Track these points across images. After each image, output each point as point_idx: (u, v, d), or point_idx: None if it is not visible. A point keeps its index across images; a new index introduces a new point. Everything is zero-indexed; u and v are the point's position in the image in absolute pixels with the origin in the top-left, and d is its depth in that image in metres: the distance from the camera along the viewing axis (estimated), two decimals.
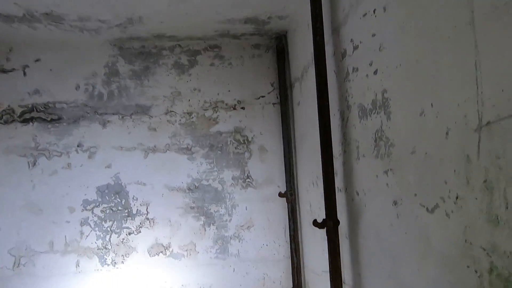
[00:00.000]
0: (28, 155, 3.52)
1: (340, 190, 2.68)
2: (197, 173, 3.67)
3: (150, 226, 3.59)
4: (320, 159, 2.54)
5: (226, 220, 3.67)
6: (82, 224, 3.53)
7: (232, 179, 3.70)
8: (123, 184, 3.59)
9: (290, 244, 3.64)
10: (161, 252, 3.58)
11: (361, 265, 2.46)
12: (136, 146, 3.65)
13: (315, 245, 3.29)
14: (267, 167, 3.74)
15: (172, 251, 3.59)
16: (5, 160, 3.49)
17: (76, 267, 3.49)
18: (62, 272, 3.48)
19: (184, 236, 3.62)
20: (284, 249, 3.70)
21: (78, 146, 3.57)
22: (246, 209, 3.69)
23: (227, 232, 3.66)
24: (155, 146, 3.66)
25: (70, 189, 3.53)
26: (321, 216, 2.74)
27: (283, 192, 3.69)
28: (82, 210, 3.54)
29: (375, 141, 2.08)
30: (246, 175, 3.72)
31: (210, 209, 3.66)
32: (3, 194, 3.45)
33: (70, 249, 3.50)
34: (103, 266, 3.52)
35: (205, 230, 3.64)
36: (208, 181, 3.68)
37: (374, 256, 2.23)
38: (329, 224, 2.50)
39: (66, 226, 3.51)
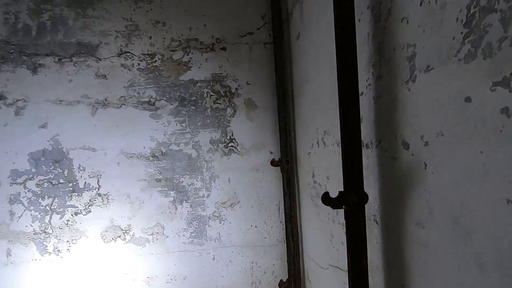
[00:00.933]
0: None
1: (368, 145, 1.29)
2: (164, 135, 2.27)
3: (104, 204, 2.23)
4: (329, 107, 1.33)
5: (203, 196, 2.31)
6: (11, 202, 2.16)
7: (210, 143, 2.30)
8: (64, 150, 2.19)
9: (286, 225, 2.30)
10: (119, 236, 2.25)
11: (408, 271, 1.09)
12: (80, 100, 2.21)
13: (319, 228, 1.92)
14: (256, 127, 2.32)
15: (133, 235, 2.26)
16: None
17: (7, 256, 2.17)
18: None
19: (149, 217, 2.27)
20: (278, 232, 2.36)
21: (0, 98, 2.14)
22: (229, 181, 2.32)
23: (205, 211, 2.31)
24: (106, 100, 2.22)
25: None
26: (331, 189, 1.39)
27: (276, 159, 2.30)
28: (11, 184, 2.16)
29: (470, 23, 0.60)
30: (228, 138, 2.31)
31: (182, 181, 2.29)
32: None
33: None
34: (42, 255, 2.19)
35: (176, 209, 2.29)
36: (178, 146, 2.28)
37: (443, 261, 0.86)
38: (351, 200, 1.19)
39: None
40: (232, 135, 2.26)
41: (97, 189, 2.18)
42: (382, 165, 1.24)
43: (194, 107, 2.23)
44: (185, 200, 2.25)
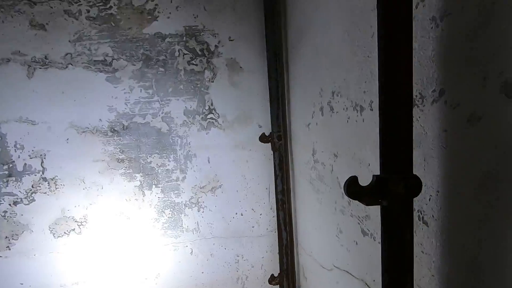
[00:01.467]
0: None
1: (418, 100, 0.62)
2: (126, 104, 1.60)
3: (51, 191, 1.58)
4: (341, 56, 0.93)
5: (177, 179, 1.68)
6: None
7: (184, 114, 1.65)
8: None
9: (278, 213, 1.70)
10: (73, 230, 1.62)
11: None
12: (11, 57, 1.51)
13: (321, 219, 1.33)
14: (241, 95, 1.67)
15: (90, 228, 1.64)
16: None
17: None
18: None
19: (110, 205, 1.64)
20: (268, 220, 1.77)
21: None
22: (208, 161, 1.69)
23: (180, 197, 1.69)
24: (46, 58, 1.53)
25: None
26: (340, 171, 1.09)
27: (266, 134, 1.68)
28: None
29: None
30: (207, 108, 1.66)
31: (150, 162, 1.65)
32: None
33: None
34: None
35: (143, 195, 1.67)
36: (144, 118, 1.63)
37: None
38: (395, 190, 0.59)
39: None
40: (212, 104, 1.61)
41: (41, 172, 1.52)
42: (446, 134, 0.63)
43: (163, 69, 1.56)
44: (154, 184, 1.61)
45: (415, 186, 0.59)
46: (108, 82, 1.51)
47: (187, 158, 1.61)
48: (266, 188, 1.69)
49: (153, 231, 1.63)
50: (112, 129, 1.54)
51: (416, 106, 0.70)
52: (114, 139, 1.55)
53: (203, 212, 1.66)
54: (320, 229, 1.34)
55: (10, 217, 1.52)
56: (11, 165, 1.49)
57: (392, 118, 0.57)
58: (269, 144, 1.62)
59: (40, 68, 1.47)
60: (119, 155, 1.56)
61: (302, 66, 1.36)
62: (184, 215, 1.64)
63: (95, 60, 1.50)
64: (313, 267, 1.46)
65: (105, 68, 1.51)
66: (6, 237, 1.52)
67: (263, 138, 1.62)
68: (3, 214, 1.51)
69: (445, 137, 0.63)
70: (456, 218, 0.63)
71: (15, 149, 1.49)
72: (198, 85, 1.58)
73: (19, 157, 1.50)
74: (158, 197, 1.61)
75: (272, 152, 1.61)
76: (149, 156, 1.59)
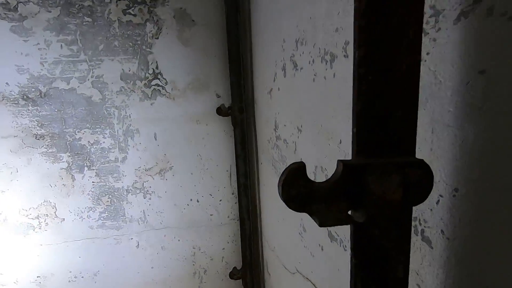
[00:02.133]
0: None
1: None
2: (42, 64, 1.08)
3: None
4: None
5: (116, 160, 1.19)
6: None
7: (122, 79, 1.14)
8: None
9: (239, 199, 1.25)
10: None
11: None
12: None
13: (282, 211, 0.90)
14: (194, 55, 1.17)
15: (5, 220, 1.15)
16: None
17: None
18: None
19: (30, 192, 1.15)
20: (229, 207, 1.31)
21: None
22: (155, 138, 1.21)
23: (120, 181, 1.21)
24: None
25: None
26: (305, 152, 0.67)
27: (226, 106, 1.21)
28: None
29: None
30: (151, 71, 1.16)
31: (79, 139, 1.16)
32: None
33: None
34: None
35: (73, 179, 1.18)
36: (68, 83, 1.12)
37: None
38: (383, 190, 0.21)
39: None
40: (157, 67, 1.10)
41: None
42: (483, 79, 0.16)
43: (89, 19, 1.03)
44: (86, 166, 1.12)
45: (421, 183, 0.20)
46: (13, 33, 0.98)
47: (127, 134, 1.12)
48: (227, 170, 1.22)
49: (89, 222, 1.15)
50: (24, 96, 1.02)
51: (423, 32, 0.24)
52: (28, 110, 1.03)
53: (150, 199, 1.18)
54: (283, 222, 0.90)
55: None
56: None
57: (380, 48, 0.14)
58: (229, 118, 1.14)
59: None
60: (37, 129, 1.05)
61: (264, 14, 0.87)
62: (127, 203, 1.16)
63: None
64: (275, 265, 1.03)
65: (9, 14, 0.97)
66: None
67: (221, 111, 1.13)
68: None
69: (480, 86, 0.18)
70: (488, 240, 0.18)
71: None
72: (139, 42, 1.06)
73: None
74: (93, 182, 1.12)
75: (232, 128, 1.14)
76: (78, 132, 1.08)
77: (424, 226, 0.33)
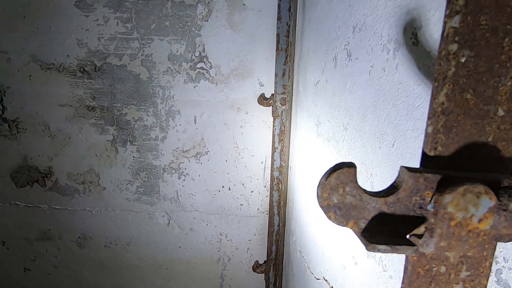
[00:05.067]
0: None
1: None
2: (99, 39, 1.11)
3: (12, 135, 1.16)
4: None
5: (156, 139, 1.20)
6: None
7: (169, 59, 1.14)
8: None
9: (271, 192, 1.19)
10: (36, 181, 1.21)
11: None
12: None
13: (317, 213, 0.81)
14: (241, 41, 1.12)
15: (56, 181, 1.22)
16: None
17: None
18: None
19: (78, 158, 1.21)
20: (260, 200, 1.26)
21: None
22: (194, 121, 1.19)
23: (158, 159, 1.22)
24: None
25: None
26: (348, 153, 0.55)
27: (268, 95, 1.14)
28: None
29: None
30: (198, 54, 1.13)
31: (125, 114, 1.18)
32: None
33: None
34: None
35: (116, 152, 1.21)
36: (121, 59, 1.14)
37: None
38: None
39: None
40: (204, 50, 1.07)
41: (0, 112, 1.10)
42: None
43: (145, 0, 1.03)
44: (129, 141, 1.14)
45: None
46: (77, 8, 1.01)
47: (169, 114, 1.11)
48: (262, 162, 1.16)
49: (126, 194, 1.18)
50: (81, 69, 1.06)
51: None
52: (84, 82, 1.07)
53: (184, 180, 1.17)
54: (314, 225, 0.82)
55: None
56: None
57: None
58: (270, 108, 1.07)
59: None
60: (90, 101, 1.09)
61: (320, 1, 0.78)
62: (162, 181, 1.17)
63: None
64: (301, 267, 0.95)
65: None
66: None
67: (263, 100, 1.07)
68: None
69: None
70: None
71: None
72: (188, 24, 1.04)
73: None
74: (133, 157, 1.14)
75: (272, 119, 1.07)
76: (125, 107, 1.10)
77: (503, 266, 0.24)
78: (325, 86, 0.74)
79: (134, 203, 1.18)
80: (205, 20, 1.03)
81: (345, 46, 0.63)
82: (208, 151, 1.14)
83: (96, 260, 1.23)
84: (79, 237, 1.21)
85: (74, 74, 1.06)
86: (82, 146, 1.12)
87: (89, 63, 1.06)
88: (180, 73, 1.07)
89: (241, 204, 1.19)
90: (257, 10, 1.03)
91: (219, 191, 1.18)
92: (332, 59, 0.69)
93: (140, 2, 1.02)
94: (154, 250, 1.23)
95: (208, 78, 1.08)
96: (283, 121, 1.04)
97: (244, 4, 1.02)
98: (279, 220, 1.13)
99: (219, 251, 1.24)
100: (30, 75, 1.06)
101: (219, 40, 1.05)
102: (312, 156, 0.81)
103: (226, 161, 1.15)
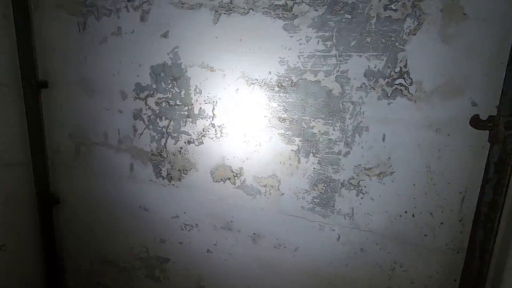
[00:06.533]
0: (77, 13, 1.53)
1: None
2: (299, 57, 1.18)
3: (217, 138, 1.37)
4: None
5: (339, 153, 1.19)
6: (135, 117, 1.52)
7: (365, 75, 1.10)
8: (183, 66, 1.36)
9: (474, 230, 1.00)
10: (229, 179, 1.38)
11: None
12: (202, 2, 1.29)
13: None
14: (454, 55, 0.99)
15: (243, 181, 1.36)
16: (57, 19, 1.58)
17: (130, 170, 1.60)
18: (116, 173, 1.64)
19: (264, 164, 1.31)
20: (449, 233, 1.08)
21: (128, 0, 1.41)
22: (383, 139, 1.12)
23: (338, 173, 1.21)
24: (231, 2, 1.24)
25: (121, 66, 1.48)
26: None
27: (484, 117, 0.97)
28: (135, 98, 1.49)
29: None
30: (398, 70, 1.06)
31: (312, 127, 1.21)
32: (56, 62, 1.62)
33: (124, 146, 1.58)
34: (157, 178, 1.53)
35: (298, 162, 1.26)
36: (316, 75, 1.17)
37: None
38: None
39: (119, 117, 1.56)
40: (405, 66, 1.00)
41: (211, 118, 1.32)
42: None
43: (349, 16, 1.04)
44: (312, 153, 1.17)
45: None
46: (284, 30, 1.12)
47: (356, 130, 1.09)
48: (460, 192, 0.99)
49: (301, 202, 1.22)
50: (279, 84, 1.16)
51: None
52: (279, 95, 1.17)
53: (361, 198, 1.12)
54: None
55: (184, 153, 1.39)
56: (190, 107, 1.34)
57: None
58: (485, 132, 0.90)
59: (224, 13, 1.19)
60: (282, 113, 1.18)
61: None
62: (339, 196, 1.15)
63: (276, 4, 1.11)
64: None
65: (284, 14, 1.11)
66: (179, 170, 1.42)
67: (477, 122, 0.91)
68: (179, 149, 1.40)
69: None
70: None
71: (194, 93, 1.31)
72: (392, 39, 0.99)
73: (196, 101, 1.32)
74: (314, 168, 1.17)
75: (487, 145, 0.90)
76: (313, 120, 1.14)
77: None
78: None
79: (308, 212, 1.21)
80: (412, 34, 0.96)
81: None
82: (394, 171, 1.06)
83: (264, 258, 1.33)
84: (254, 233, 1.33)
85: (272, 88, 1.17)
86: (269, 153, 1.22)
87: (286, 78, 1.14)
88: (374, 89, 1.03)
89: (425, 235, 1.05)
90: (481, 20, 0.88)
91: (401, 216, 1.08)
92: None
93: (343, 20, 1.03)
94: (319, 262, 1.23)
95: (406, 95, 1.00)
96: (506, 148, 0.85)
97: (464, 14, 0.90)
98: (480, 264, 0.94)
99: (389, 279, 1.13)
100: (237, 89, 1.22)
101: (425, 55, 0.95)
102: None
103: (414, 185, 1.04)
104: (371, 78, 1.03)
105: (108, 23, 1.41)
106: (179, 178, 1.43)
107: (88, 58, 1.50)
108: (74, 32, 1.50)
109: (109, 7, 1.39)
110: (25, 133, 1.66)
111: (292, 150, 1.19)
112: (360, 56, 1.03)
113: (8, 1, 1.51)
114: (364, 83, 1.04)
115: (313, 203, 1.20)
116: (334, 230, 1.19)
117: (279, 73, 1.15)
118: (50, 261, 1.83)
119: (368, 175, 1.09)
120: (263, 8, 1.13)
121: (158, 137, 1.43)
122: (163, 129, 1.41)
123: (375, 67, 1.02)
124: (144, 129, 1.45)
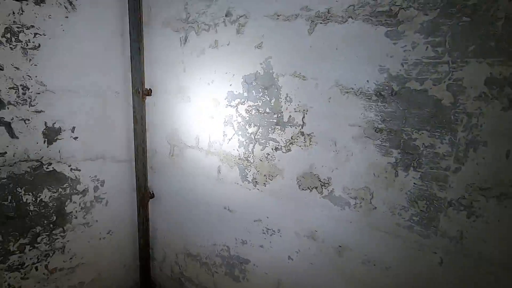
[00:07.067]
0: (180, 29, 1.68)
1: None
2: (402, 65, 1.10)
3: (305, 146, 1.36)
4: None
5: (447, 168, 1.07)
6: (225, 123, 1.60)
7: (486, 84, 0.97)
8: (274, 76, 1.39)
9: None
10: (315, 188, 1.35)
11: None
12: (299, 13, 1.29)
13: None
14: None
15: (331, 191, 1.32)
16: (162, 35, 1.77)
17: (218, 173, 1.68)
18: (205, 174, 1.74)
19: (356, 175, 1.25)
20: None
21: (226, 15, 1.49)
22: (507, 156, 0.97)
23: (444, 191, 1.09)
24: (328, 12, 1.22)
25: (215, 75, 1.58)
26: None
27: None
28: (226, 106, 1.58)
29: None
30: None
31: (414, 139, 1.12)
32: (159, 72, 1.81)
33: (213, 150, 1.68)
34: (243, 182, 1.59)
35: (396, 175, 1.17)
36: (422, 84, 1.08)
37: None
38: None
39: (211, 122, 1.66)
40: None
41: (300, 126, 1.32)
42: None
43: (467, 18, 0.93)
44: (413, 166, 1.08)
45: None
46: (386, 37, 1.06)
47: (470, 144, 0.97)
48: None
49: (397, 219, 1.14)
50: (378, 93, 1.11)
51: None
52: (377, 105, 1.11)
53: (474, 221, 0.99)
54: None
55: (271, 160, 1.42)
56: (279, 115, 1.36)
57: None
58: None
59: (321, 23, 1.19)
60: (379, 123, 1.12)
61: None
62: (444, 215, 1.04)
63: (378, 12, 1.07)
64: None
65: (388, 20, 1.05)
66: (265, 175, 1.46)
67: None
68: (266, 155, 1.44)
69: None
70: None
71: (285, 101, 1.33)
72: None
73: (286, 109, 1.34)
74: (414, 183, 1.08)
75: None
76: (415, 132, 1.06)
77: None
78: None
79: (404, 230, 1.12)
80: None
81: None
82: None
83: (350, 272, 1.27)
84: (339, 246, 1.28)
85: (369, 97, 1.12)
86: (362, 164, 1.17)
87: (386, 87, 1.08)
88: (498, 99, 0.91)
89: None
90: None
91: None
92: None
93: (460, 23, 0.93)
94: (416, 285, 1.12)
95: None
96: None
97: None
98: None
99: None
100: (330, 98, 1.20)
101: None
102: None
103: None
104: (494, 87, 0.91)
105: (207, 36, 1.52)
106: (264, 183, 1.46)
107: (187, 69, 1.64)
108: (176, 46, 1.66)
109: (208, 23, 1.51)
110: (131, 134, 1.90)
111: (389, 163, 1.12)
112: (481, 62, 0.92)
113: (126, 19, 1.75)
114: (484, 92, 0.93)
115: (412, 221, 1.10)
116: (435, 253, 1.07)
117: (377, 82, 1.10)
118: (143, 248, 2.05)
119: (484, 196, 0.96)
120: (363, 15, 1.09)
121: (246, 142, 1.49)
122: (251, 135, 1.46)
123: (500, 74, 0.90)
124: (233, 134, 1.53)
